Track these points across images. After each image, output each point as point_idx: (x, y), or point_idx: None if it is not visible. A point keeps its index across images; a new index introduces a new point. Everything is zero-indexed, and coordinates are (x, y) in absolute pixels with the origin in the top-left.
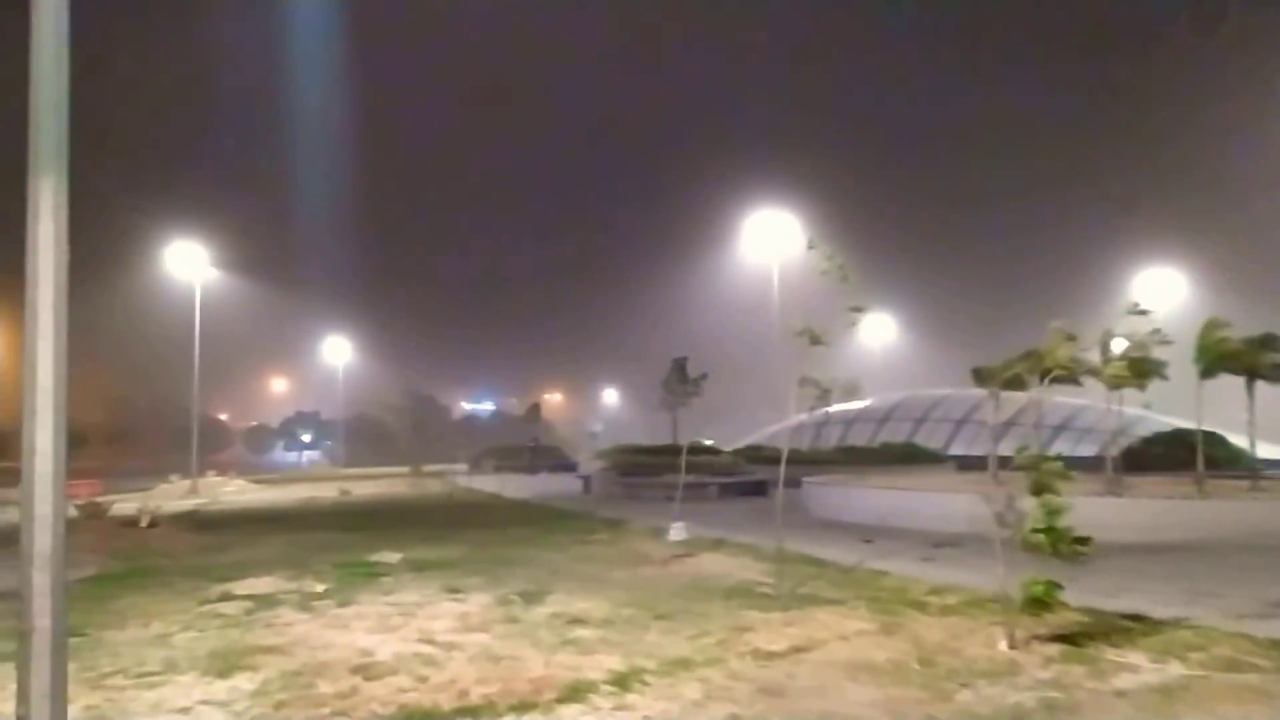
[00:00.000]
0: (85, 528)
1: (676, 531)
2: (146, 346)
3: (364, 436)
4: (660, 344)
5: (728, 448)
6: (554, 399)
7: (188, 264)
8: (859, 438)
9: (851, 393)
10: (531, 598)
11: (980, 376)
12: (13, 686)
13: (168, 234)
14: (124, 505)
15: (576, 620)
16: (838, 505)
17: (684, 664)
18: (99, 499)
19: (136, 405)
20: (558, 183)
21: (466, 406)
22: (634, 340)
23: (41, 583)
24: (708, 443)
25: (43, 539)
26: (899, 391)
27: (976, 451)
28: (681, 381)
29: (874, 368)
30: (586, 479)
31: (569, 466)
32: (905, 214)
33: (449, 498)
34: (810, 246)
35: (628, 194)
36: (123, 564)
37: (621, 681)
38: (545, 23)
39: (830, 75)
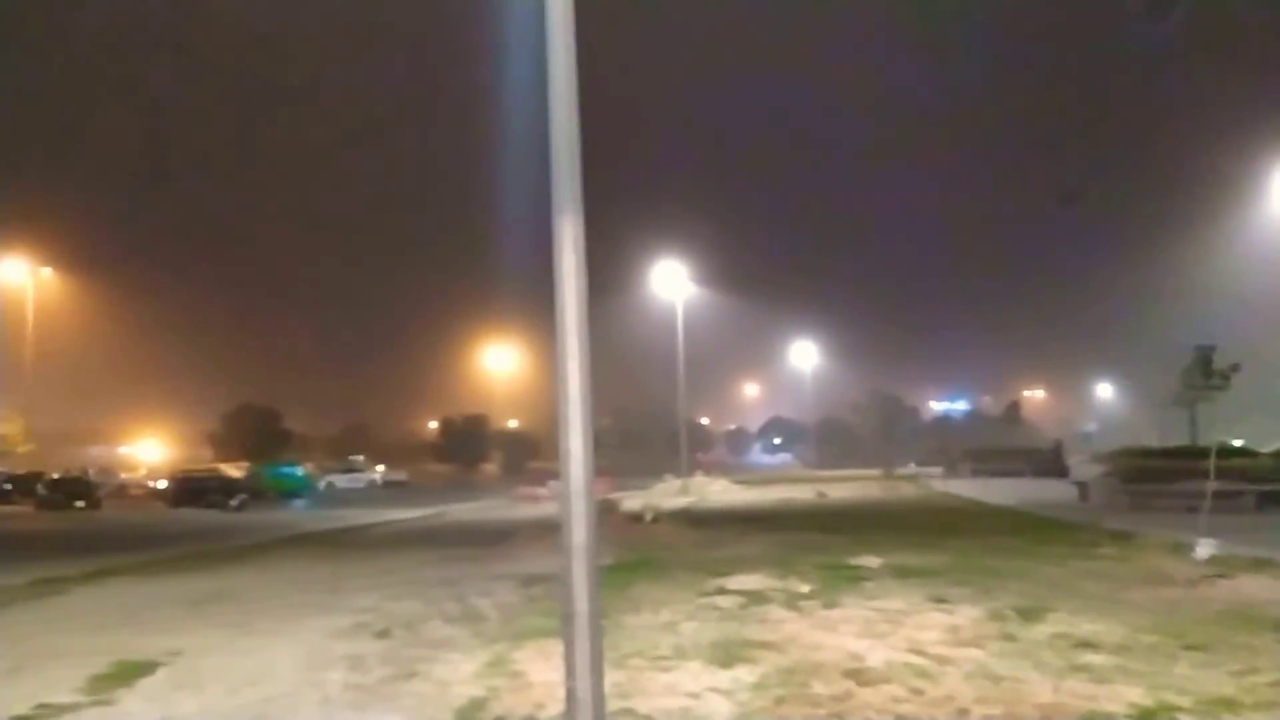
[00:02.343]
0: (600, 521)
1: (1205, 548)
2: (639, 358)
3: (833, 438)
4: (1170, 329)
5: (1264, 449)
6: (1035, 396)
7: (671, 281)
8: None
9: None
10: (1028, 614)
11: None
12: (555, 658)
13: (653, 255)
14: (629, 502)
15: (1085, 644)
16: None
17: (1228, 705)
18: (610, 496)
19: (632, 412)
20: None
21: (936, 406)
22: (1137, 327)
23: (579, 572)
24: (1237, 444)
25: (579, 533)
26: None
27: None
28: (1205, 374)
29: None
30: (1082, 485)
31: (1058, 471)
32: None
33: (924, 501)
34: None
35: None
36: (633, 555)
37: (1149, 719)
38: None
39: None
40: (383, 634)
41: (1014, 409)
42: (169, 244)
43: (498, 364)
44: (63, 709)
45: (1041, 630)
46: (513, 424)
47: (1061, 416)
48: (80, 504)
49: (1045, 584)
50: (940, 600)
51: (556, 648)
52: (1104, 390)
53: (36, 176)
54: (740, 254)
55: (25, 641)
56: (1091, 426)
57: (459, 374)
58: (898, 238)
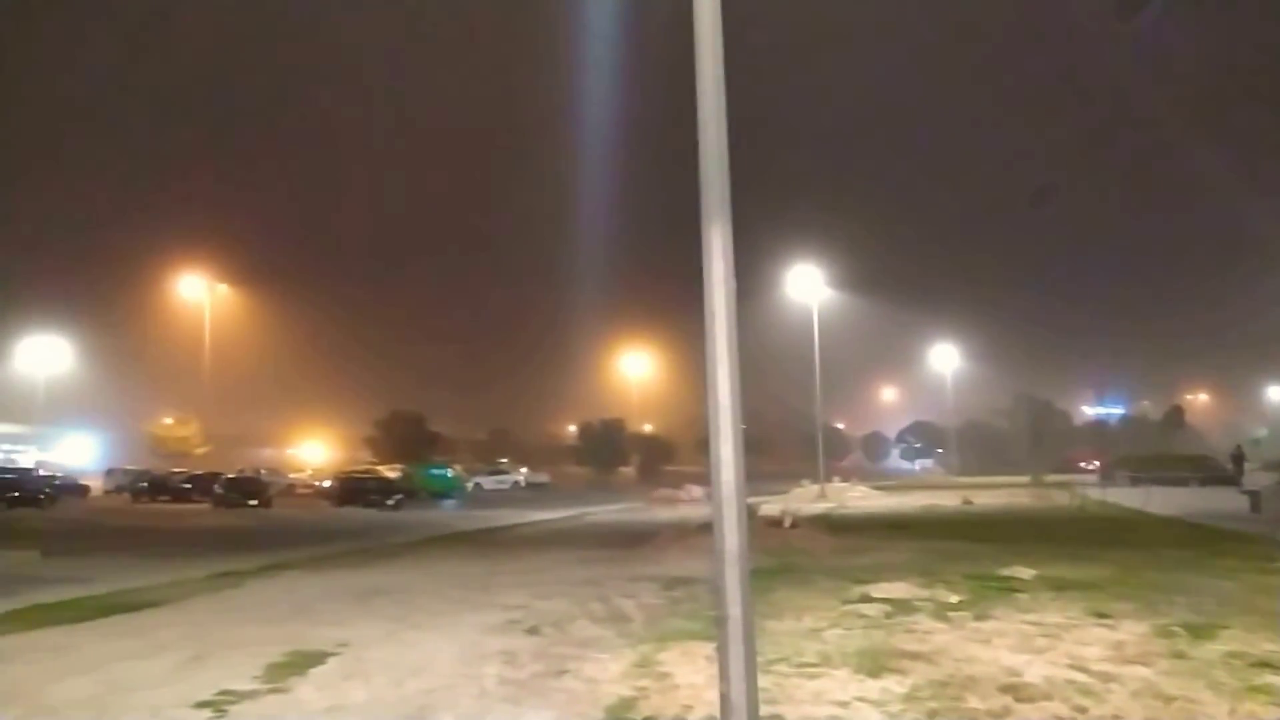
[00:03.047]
0: None
1: None
2: (773, 363)
3: (976, 444)
4: None
5: None
6: (1197, 400)
7: (806, 285)
8: None
9: None
10: (1199, 631)
11: None
12: (701, 660)
13: (787, 258)
14: (767, 507)
15: (1264, 664)
16: None
17: None
18: (747, 501)
19: (766, 417)
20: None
21: (1089, 411)
22: None
23: (732, 577)
24: None
25: (731, 539)
26: None
27: None
28: None
29: None
30: (1254, 495)
31: (1233, 479)
32: None
33: (1079, 510)
34: None
35: None
36: (773, 560)
37: None
38: None
39: None
40: (533, 631)
41: (1176, 414)
42: (333, 262)
43: (634, 370)
44: (243, 695)
45: (1214, 648)
46: (648, 428)
47: (1227, 421)
48: (253, 502)
49: (1216, 599)
50: (1101, 615)
51: (702, 650)
52: (1276, 394)
53: (215, 200)
54: (877, 256)
55: (206, 631)
56: (1262, 432)
57: (597, 379)
58: (1047, 238)
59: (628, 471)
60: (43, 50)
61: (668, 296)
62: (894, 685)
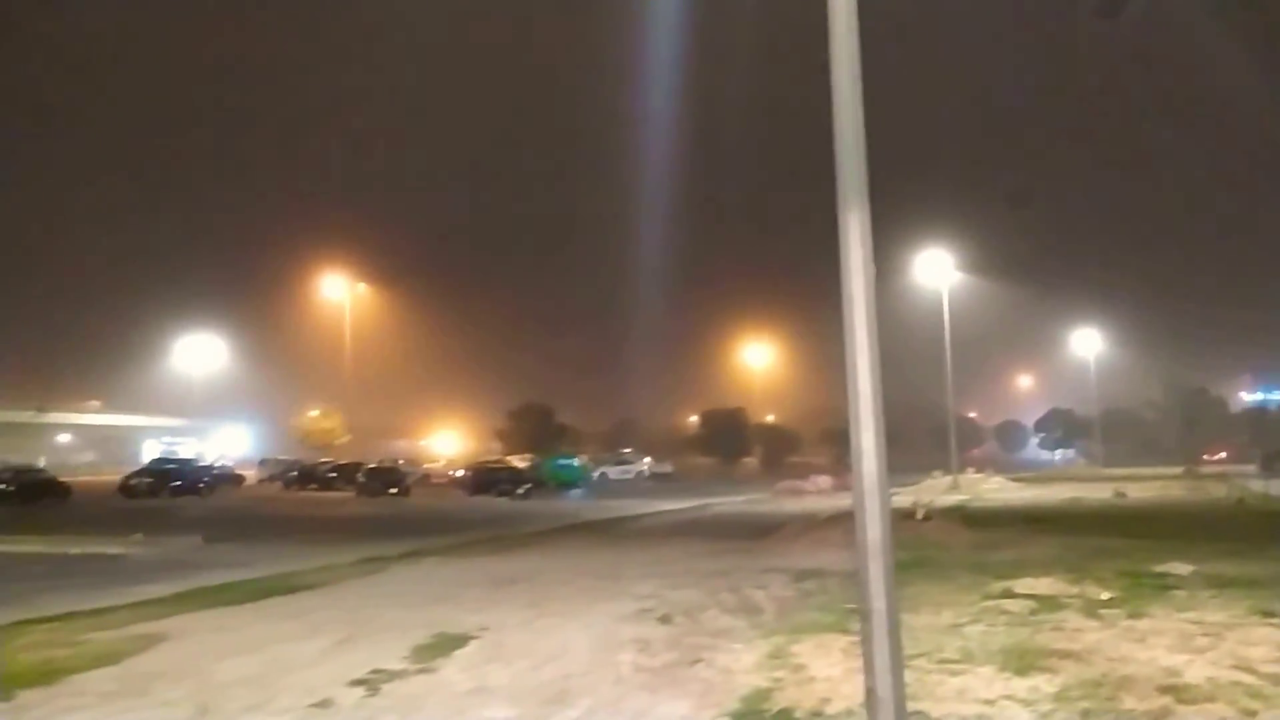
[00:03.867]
0: None
1: None
2: (901, 350)
3: (1121, 433)
4: None
5: None
6: None
7: (936, 269)
8: None
9: None
10: None
11: None
12: (836, 653)
13: (916, 242)
14: (898, 498)
15: None
16: None
17: None
18: None
19: (895, 405)
20: None
21: (1246, 397)
22: None
23: (875, 569)
24: None
25: (873, 530)
26: None
27: None
28: None
29: None
30: None
31: None
32: None
33: (1239, 504)
34: None
35: None
36: (907, 553)
37: None
38: None
39: None
40: (665, 620)
41: None
42: (465, 262)
43: (756, 360)
44: (393, 675)
45: None
46: (770, 419)
47: None
48: (393, 491)
49: None
50: (1269, 614)
51: (836, 642)
52: None
53: (352, 204)
54: (1010, 240)
55: (356, 613)
56: None
57: (720, 370)
58: (1198, 216)
59: (750, 462)
60: (211, 64)
61: (790, 285)
62: (1043, 684)
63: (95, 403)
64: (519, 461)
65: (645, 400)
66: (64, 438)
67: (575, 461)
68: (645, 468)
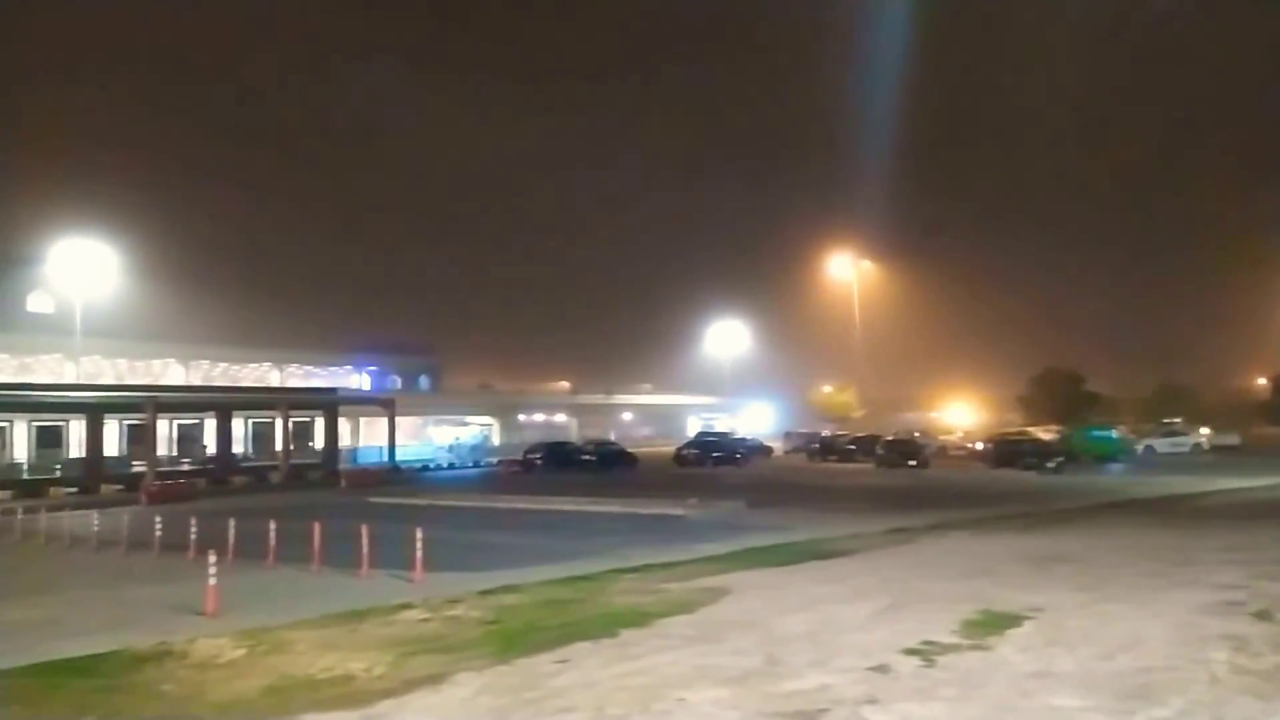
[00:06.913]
0: None
1: None
2: None
3: None
4: None
5: None
6: None
7: None
8: None
9: None
10: None
11: None
12: None
13: None
14: None
15: None
16: None
17: None
18: None
19: None
20: None
21: None
22: None
23: None
24: None
25: None
26: None
27: None
28: None
29: None
30: None
31: None
32: None
33: None
34: None
35: None
36: None
37: None
38: None
39: None
40: (1262, 616)
41: None
42: (966, 230)
43: None
44: (946, 648)
45: None
46: None
47: None
48: (911, 463)
49: None
50: None
51: None
52: None
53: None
54: None
55: (895, 582)
56: None
57: None
58: None
59: None
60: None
61: None
62: None
63: (647, 385)
64: (1043, 433)
65: (1194, 362)
66: (626, 415)
67: (1112, 432)
68: (1203, 439)
